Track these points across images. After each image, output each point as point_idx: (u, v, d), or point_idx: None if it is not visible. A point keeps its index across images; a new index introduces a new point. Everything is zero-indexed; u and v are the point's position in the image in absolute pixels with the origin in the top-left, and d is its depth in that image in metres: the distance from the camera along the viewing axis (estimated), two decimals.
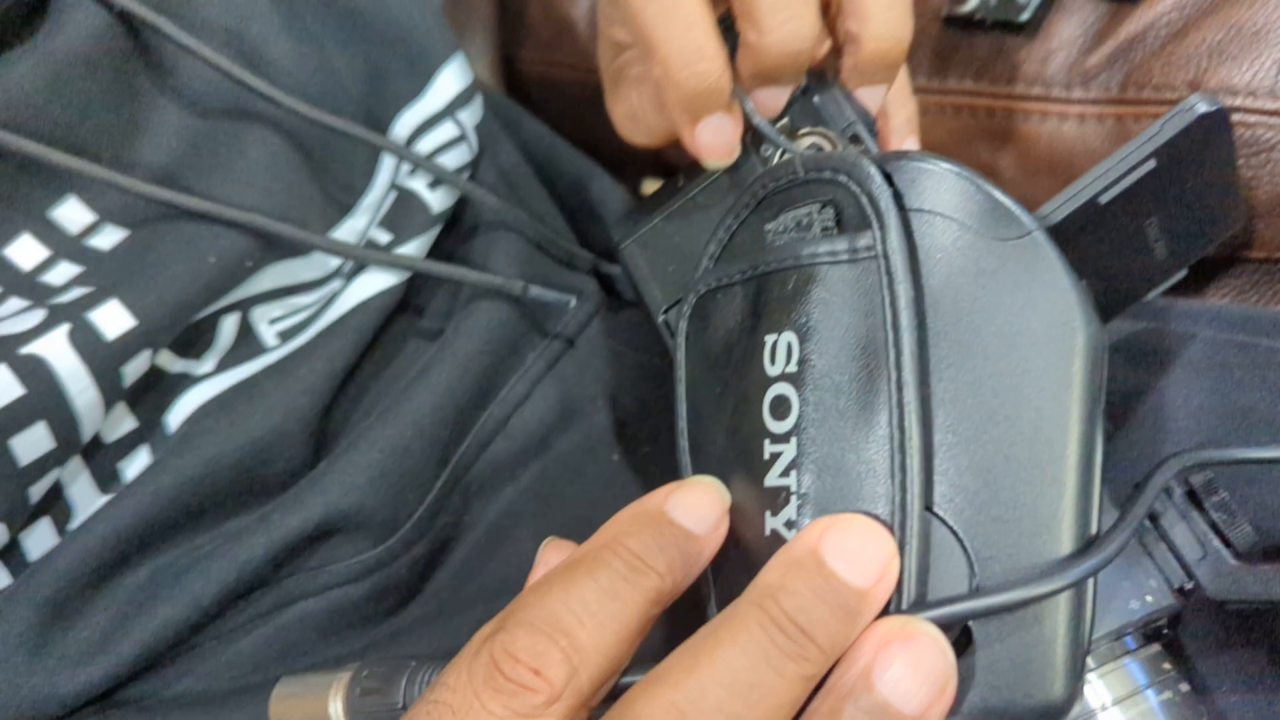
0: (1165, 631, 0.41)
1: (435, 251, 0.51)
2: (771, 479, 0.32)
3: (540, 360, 0.50)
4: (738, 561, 0.32)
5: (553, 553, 0.36)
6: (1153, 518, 0.40)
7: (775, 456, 0.32)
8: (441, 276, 0.48)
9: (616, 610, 0.29)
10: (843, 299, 0.31)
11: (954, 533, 0.29)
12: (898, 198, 0.31)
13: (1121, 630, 0.38)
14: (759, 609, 0.28)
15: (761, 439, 0.32)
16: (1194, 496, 0.40)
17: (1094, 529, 0.31)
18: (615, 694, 0.30)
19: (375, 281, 0.47)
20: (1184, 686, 0.39)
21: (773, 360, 0.32)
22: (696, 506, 0.32)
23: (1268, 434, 0.43)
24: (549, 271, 0.53)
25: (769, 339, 0.32)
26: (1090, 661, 0.38)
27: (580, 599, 0.29)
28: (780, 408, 0.32)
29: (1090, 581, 0.30)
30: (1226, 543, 0.39)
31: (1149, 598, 0.38)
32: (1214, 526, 0.39)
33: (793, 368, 0.31)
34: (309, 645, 0.44)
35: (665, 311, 0.41)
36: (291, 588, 0.44)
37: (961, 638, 0.29)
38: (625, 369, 0.52)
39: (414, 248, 0.48)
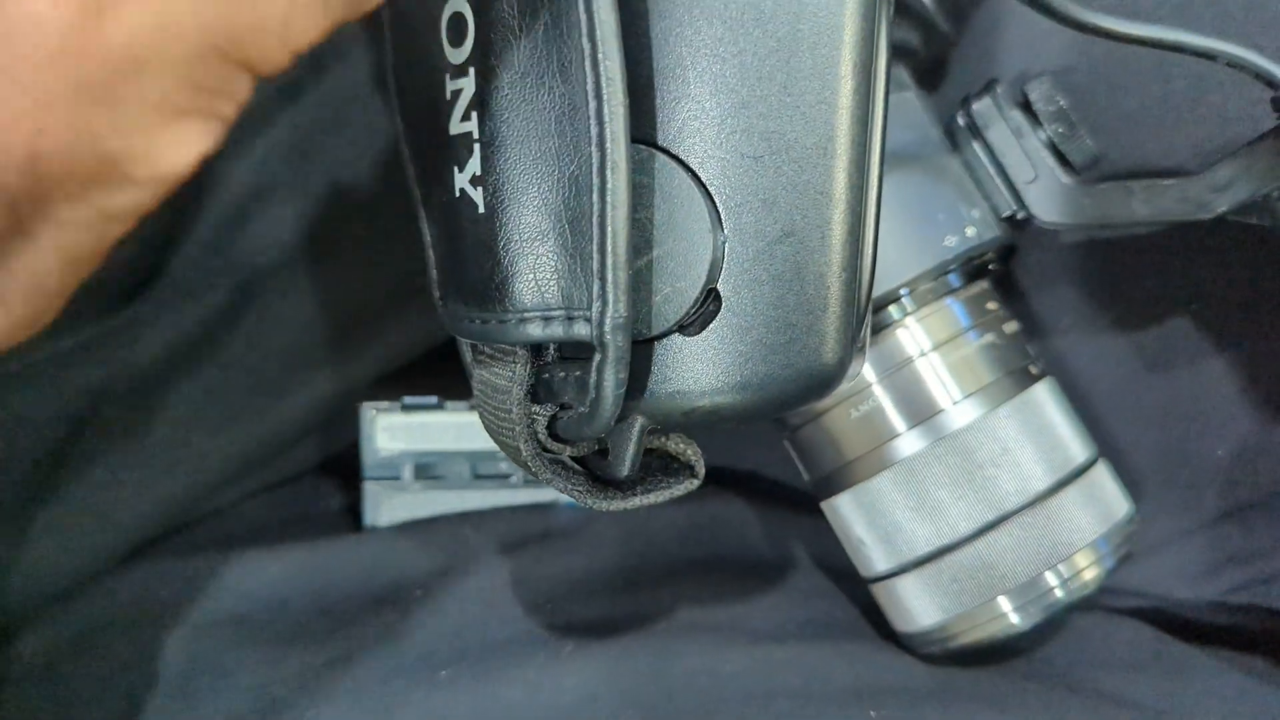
0: (993, 267, 0.36)
1: None
2: (455, 125, 0.25)
3: None
4: (439, 235, 0.26)
5: None
6: (981, 136, 0.34)
7: (456, 95, 0.25)
8: None
9: None
10: None
11: (691, 173, 0.23)
12: None
13: (942, 268, 0.34)
14: None
15: (443, 74, 0.25)
16: (1030, 109, 0.34)
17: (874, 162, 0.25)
18: None
19: None
20: (1010, 327, 0.35)
21: None
22: None
23: None
24: None
25: None
26: (908, 304, 0.34)
27: None
28: (457, 28, 0.24)
29: (868, 233, 0.25)
30: (1063, 160, 0.34)
31: (970, 230, 0.34)
32: (1050, 143, 0.34)
33: None
34: None
35: None
36: None
37: (710, 302, 0.24)
38: None
39: None
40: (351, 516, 0.44)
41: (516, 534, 0.41)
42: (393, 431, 0.42)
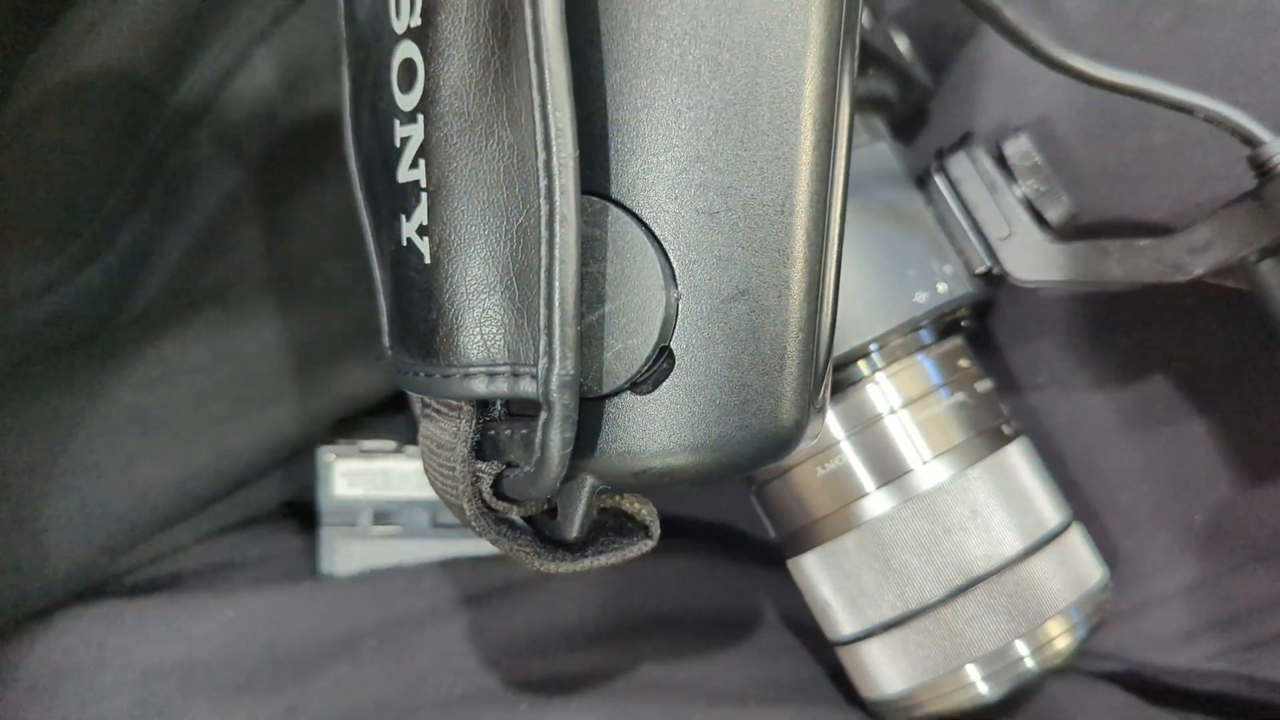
0: (965, 323, 0.35)
1: None
2: (403, 173, 0.24)
3: (259, 17, 0.40)
4: (387, 284, 0.25)
5: None
6: (955, 190, 0.33)
7: (405, 141, 0.24)
8: None
9: None
10: None
11: (645, 227, 0.22)
12: None
13: (913, 324, 0.33)
14: None
15: (392, 119, 0.24)
16: (1005, 164, 0.33)
17: (834, 221, 0.24)
18: None
19: None
20: (983, 385, 0.34)
21: (398, 11, 0.24)
22: None
23: None
24: None
25: None
26: (878, 359, 0.33)
27: None
28: (408, 75, 0.24)
29: (827, 291, 0.24)
30: (1039, 217, 0.33)
31: (942, 286, 0.33)
32: (1025, 200, 0.33)
33: (416, 20, 0.23)
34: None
35: None
36: None
37: (663, 360, 0.23)
38: None
39: None
40: (309, 562, 0.42)
41: (475, 586, 0.40)
42: (351, 477, 0.41)
